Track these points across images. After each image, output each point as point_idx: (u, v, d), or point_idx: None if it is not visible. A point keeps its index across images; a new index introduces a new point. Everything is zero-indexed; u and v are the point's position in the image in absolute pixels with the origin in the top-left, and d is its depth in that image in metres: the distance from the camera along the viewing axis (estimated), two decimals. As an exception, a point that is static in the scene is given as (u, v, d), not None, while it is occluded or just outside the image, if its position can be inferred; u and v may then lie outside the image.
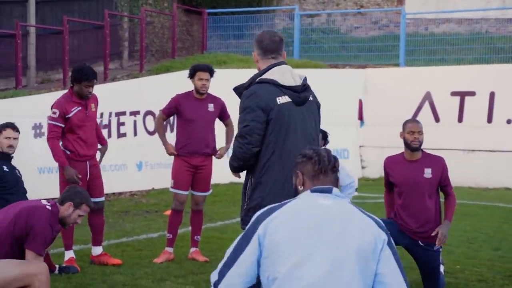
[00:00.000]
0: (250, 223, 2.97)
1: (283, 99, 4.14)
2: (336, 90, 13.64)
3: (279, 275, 2.81)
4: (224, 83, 13.71)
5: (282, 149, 4.11)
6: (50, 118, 6.32)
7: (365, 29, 18.63)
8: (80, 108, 6.37)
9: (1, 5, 14.07)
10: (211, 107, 6.88)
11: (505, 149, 12.92)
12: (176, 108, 6.85)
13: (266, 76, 4.21)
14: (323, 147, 6.58)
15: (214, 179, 12.93)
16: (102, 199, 6.60)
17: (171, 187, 6.90)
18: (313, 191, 3.01)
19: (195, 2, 18.77)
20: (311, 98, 4.30)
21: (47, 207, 4.78)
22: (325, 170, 3.04)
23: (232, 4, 18.90)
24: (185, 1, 18.80)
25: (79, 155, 6.37)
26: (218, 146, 7.11)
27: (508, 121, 12.96)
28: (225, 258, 2.93)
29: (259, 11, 18.81)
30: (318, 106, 4.38)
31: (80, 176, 6.25)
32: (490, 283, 6.04)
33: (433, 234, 5.59)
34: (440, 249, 5.81)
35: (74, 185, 5.17)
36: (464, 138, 13.17)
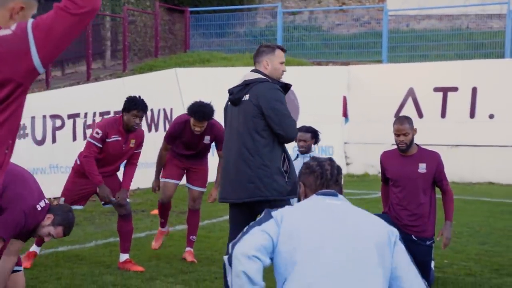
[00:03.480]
0: (261, 216, 2.93)
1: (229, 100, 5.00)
2: (319, 87, 13.68)
3: (298, 259, 2.75)
4: (208, 82, 13.84)
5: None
6: (92, 136, 6.22)
7: (347, 26, 18.69)
8: (120, 138, 6.25)
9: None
10: (206, 139, 6.67)
11: (488, 144, 13.03)
12: (175, 136, 6.67)
13: None
14: (313, 145, 6.60)
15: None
16: (126, 202, 6.50)
17: (161, 177, 6.83)
18: (318, 194, 3.03)
19: (177, 1, 18.72)
20: (246, 98, 4.81)
21: (39, 203, 4.66)
22: (327, 185, 3.05)
23: (214, 3, 18.89)
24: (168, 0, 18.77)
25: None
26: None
27: (491, 116, 13.06)
28: (239, 235, 2.86)
29: (241, 9, 18.81)
30: (255, 104, 4.77)
31: (113, 199, 6.25)
32: (478, 277, 6.09)
33: (438, 238, 5.65)
34: (433, 244, 5.86)
35: (68, 207, 4.93)
36: (448, 134, 13.26)
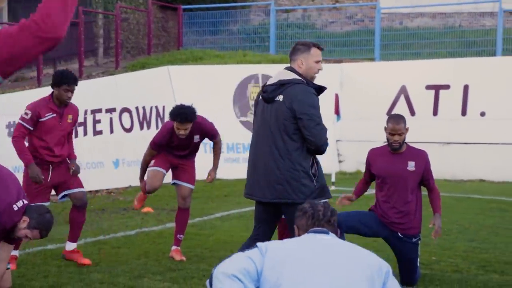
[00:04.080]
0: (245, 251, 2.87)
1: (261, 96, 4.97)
2: (312, 85, 13.70)
3: (284, 285, 2.71)
4: (200, 79, 13.85)
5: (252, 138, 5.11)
6: (21, 118, 6.13)
7: (340, 24, 18.70)
8: (54, 115, 6.19)
9: (-27, 3, 13.91)
10: (196, 138, 6.62)
11: (480, 141, 13.06)
12: (163, 144, 6.60)
13: None
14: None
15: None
16: (82, 189, 6.45)
17: (149, 166, 6.75)
18: (309, 232, 3.05)
19: (170, -2, 18.73)
20: (280, 99, 4.79)
21: (17, 203, 4.61)
22: (319, 224, 3.06)
23: (207, 0, 18.88)
24: (160, -3, 18.76)
25: (43, 161, 6.20)
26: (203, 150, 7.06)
27: (482, 114, 13.09)
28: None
29: (234, 7, 18.80)
30: (288, 107, 4.75)
31: (43, 177, 6.10)
32: (465, 273, 6.11)
33: (430, 226, 5.75)
34: (419, 242, 5.89)
35: (45, 209, 4.87)
36: (439, 131, 13.29)
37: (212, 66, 14.77)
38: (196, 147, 6.80)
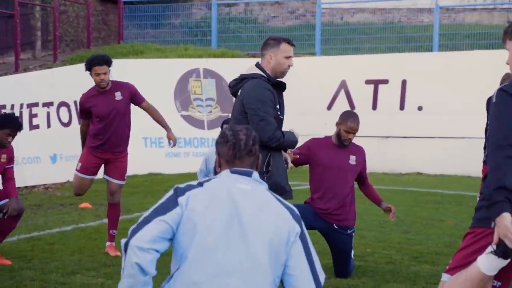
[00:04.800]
0: (168, 194, 2.90)
1: None
2: (253, 79, 13.71)
3: (190, 255, 2.79)
4: (140, 73, 13.69)
5: None
6: None
7: (282, 19, 18.78)
8: None
9: None
10: (118, 95, 6.61)
11: (417, 135, 13.33)
12: (85, 108, 6.61)
13: None
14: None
15: (132, 170, 12.93)
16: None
17: (76, 170, 6.73)
18: (232, 172, 2.97)
19: (110, -9, 18.46)
20: (239, 93, 4.82)
21: None
22: (240, 156, 2.99)
23: (149, -6, 18.71)
24: (100, -10, 18.47)
25: None
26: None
27: (419, 108, 13.36)
28: (140, 219, 2.86)
29: (176, 0, 18.67)
30: (241, 100, 4.76)
31: None
32: (398, 265, 6.23)
33: (385, 207, 5.94)
34: (353, 233, 5.99)
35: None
36: (379, 125, 13.49)
37: (153, 60, 14.64)
38: (123, 115, 6.65)
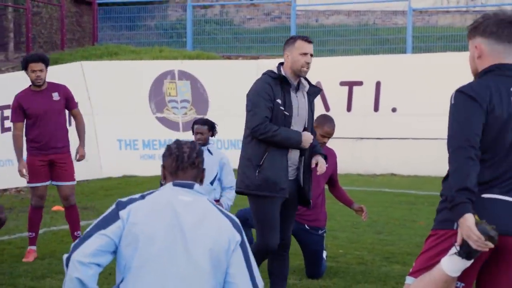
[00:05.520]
0: (109, 208, 2.96)
1: None
2: (229, 81, 13.70)
3: (134, 266, 2.84)
4: (116, 75, 13.62)
5: None
6: None
7: (257, 21, 18.80)
8: None
9: None
10: (55, 96, 6.56)
11: (391, 137, 13.40)
12: (21, 109, 6.50)
13: None
14: (210, 137, 6.61)
15: (107, 173, 12.86)
16: None
17: (27, 182, 6.63)
18: (175, 184, 3.04)
19: (85, -8, 18.36)
20: None
21: None
22: (183, 167, 3.05)
23: (124, -5, 18.63)
24: (75, -9, 18.36)
25: None
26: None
27: (393, 110, 13.43)
28: (82, 235, 2.91)
29: (152, 2, 18.61)
30: None
31: None
32: (369, 265, 6.27)
33: (357, 208, 6.00)
34: (324, 234, 6.02)
35: None
36: (353, 127, 13.54)
37: (128, 61, 14.56)
38: (58, 107, 6.57)
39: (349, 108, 13.79)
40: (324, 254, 6.04)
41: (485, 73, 3.16)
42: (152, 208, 2.93)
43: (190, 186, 3.03)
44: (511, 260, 3.08)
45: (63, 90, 6.65)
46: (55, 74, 13.15)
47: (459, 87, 3.15)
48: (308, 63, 4.74)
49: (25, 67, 6.49)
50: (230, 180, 6.36)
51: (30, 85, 6.60)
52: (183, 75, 13.91)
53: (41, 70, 6.42)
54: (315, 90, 4.95)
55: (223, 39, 17.76)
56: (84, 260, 2.79)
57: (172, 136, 13.78)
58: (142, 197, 2.98)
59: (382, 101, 13.51)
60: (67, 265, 2.83)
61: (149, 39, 17.86)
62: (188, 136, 13.56)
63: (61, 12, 16.66)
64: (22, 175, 6.55)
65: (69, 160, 6.71)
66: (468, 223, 2.93)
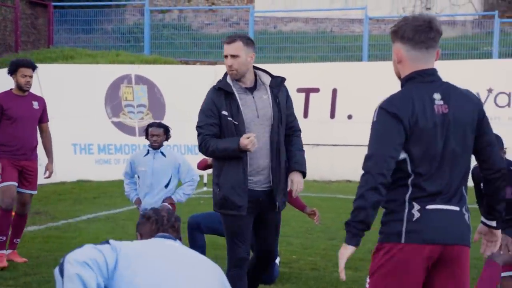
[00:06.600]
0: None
1: None
2: (186, 87, 13.67)
3: (138, 280, 2.66)
4: (71, 79, 13.46)
5: None
6: None
7: (216, 26, 18.81)
8: None
9: None
10: (35, 104, 6.61)
11: (347, 143, 13.53)
12: (3, 108, 6.45)
13: None
14: (164, 141, 6.56)
15: (60, 177, 12.67)
16: None
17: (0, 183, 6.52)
18: (156, 237, 3.00)
19: (40, -6, 18.10)
20: None
21: None
22: (163, 229, 3.02)
23: (80, -2, 18.44)
24: (30, -7, 18.08)
25: None
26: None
27: (349, 117, 13.58)
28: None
29: (109, 6, 18.45)
30: None
31: None
32: (322, 271, 6.31)
33: (310, 212, 5.98)
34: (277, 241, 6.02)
35: None
36: (309, 133, 13.55)
37: (83, 65, 14.41)
38: (36, 115, 6.59)
39: (305, 115, 13.88)
40: (277, 260, 6.05)
41: (407, 81, 3.10)
42: (143, 246, 2.84)
43: (173, 238, 3.00)
44: (456, 269, 3.07)
45: (42, 102, 6.70)
46: (7, 76, 12.96)
47: (381, 102, 3.06)
48: (229, 66, 4.41)
49: (14, 71, 6.45)
50: (190, 175, 6.33)
51: (11, 89, 6.56)
52: (140, 79, 13.83)
53: (30, 76, 6.47)
54: (277, 82, 4.54)
55: (181, 44, 17.71)
56: (79, 258, 2.59)
57: (128, 141, 13.68)
58: (126, 242, 2.85)
59: (338, 108, 13.64)
60: (61, 273, 2.59)
61: (106, 43, 17.70)
62: (144, 141, 13.43)
63: (16, 14, 16.39)
64: None
65: (36, 169, 6.67)
66: (346, 253, 3.06)
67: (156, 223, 3.03)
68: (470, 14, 18.24)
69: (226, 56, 4.43)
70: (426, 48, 3.06)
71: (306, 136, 15.08)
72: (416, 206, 3.02)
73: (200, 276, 2.82)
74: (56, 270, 2.63)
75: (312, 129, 13.62)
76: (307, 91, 13.90)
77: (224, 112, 4.39)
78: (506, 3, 18.87)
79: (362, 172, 3.01)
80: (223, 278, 2.94)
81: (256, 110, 4.45)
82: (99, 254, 2.65)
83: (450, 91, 3.07)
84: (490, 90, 13.17)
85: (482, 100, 13.27)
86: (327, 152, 13.65)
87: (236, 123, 4.39)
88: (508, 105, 13.11)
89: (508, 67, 13.58)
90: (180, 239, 3.04)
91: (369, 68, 14.30)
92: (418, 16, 3.09)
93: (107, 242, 2.76)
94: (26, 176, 6.60)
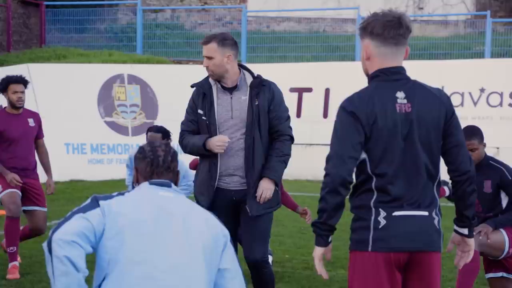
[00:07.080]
0: (86, 201, 2.79)
1: None
2: (179, 86, 13.63)
3: (121, 260, 2.69)
4: (64, 78, 13.43)
5: None
6: None
7: (209, 26, 18.79)
8: None
9: None
10: (31, 122, 6.35)
11: (340, 143, 13.54)
12: None
13: None
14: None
15: (53, 177, 12.61)
16: None
17: (3, 191, 6.21)
18: (151, 183, 2.94)
19: (32, -6, 18.06)
20: None
21: None
22: (157, 172, 2.96)
23: (73, -3, 18.40)
24: (22, -8, 18.03)
25: None
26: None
27: (342, 116, 13.58)
28: (61, 220, 2.72)
29: (101, 5, 18.42)
30: None
31: None
32: (315, 270, 6.27)
33: (301, 211, 5.97)
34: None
35: None
36: (303, 133, 13.61)
37: (76, 64, 14.39)
38: (33, 134, 6.39)
39: (298, 114, 13.90)
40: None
41: (371, 79, 3.07)
42: (135, 202, 2.82)
43: (168, 185, 2.94)
44: (425, 275, 3.00)
45: (37, 118, 6.45)
46: (1, 75, 12.92)
47: (342, 101, 3.05)
48: (206, 67, 4.42)
49: (4, 88, 6.18)
50: (185, 180, 6.31)
51: (5, 107, 6.32)
52: (133, 79, 13.81)
53: (22, 92, 6.17)
54: (255, 83, 4.49)
55: (174, 43, 17.70)
56: (66, 238, 2.59)
57: (121, 140, 13.67)
58: (121, 194, 2.86)
59: (331, 108, 13.65)
60: (49, 250, 2.62)
61: (99, 43, 17.66)
62: (137, 140, 13.47)
63: (8, 13, 16.35)
64: (17, 181, 6.17)
65: (40, 187, 6.44)
66: (317, 254, 3.09)
67: (151, 165, 2.96)
68: (463, 14, 18.29)
69: (204, 57, 4.44)
70: (395, 44, 3.00)
71: (299, 136, 15.05)
72: (382, 213, 2.95)
73: (193, 234, 2.80)
74: (45, 245, 2.67)
75: (305, 129, 13.65)
76: (300, 91, 13.91)
77: (200, 111, 4.43)
78: (498, 3, 18.94)
79: (325, 172, 3.00)
80: (212, 242, 2.86)
81: (231, 110, 4.43)
82: (87, 224, 2.68)
83: (415, 90, 3.00)
84: (482, 90, 13.21)
85: (475, 99, 13.33)
86: (320, 151, 13.61)
87: (208, 122, 4.40)
88: (500, 104, 13.15)
89: (500, 66, 13.63)
90: (176, 183, 3.00)
91: (361, 67, 14.30)
92: (388, 12, 3.02)
93: (97, 202, 2.76)
94: (33, 194, 6.35)
